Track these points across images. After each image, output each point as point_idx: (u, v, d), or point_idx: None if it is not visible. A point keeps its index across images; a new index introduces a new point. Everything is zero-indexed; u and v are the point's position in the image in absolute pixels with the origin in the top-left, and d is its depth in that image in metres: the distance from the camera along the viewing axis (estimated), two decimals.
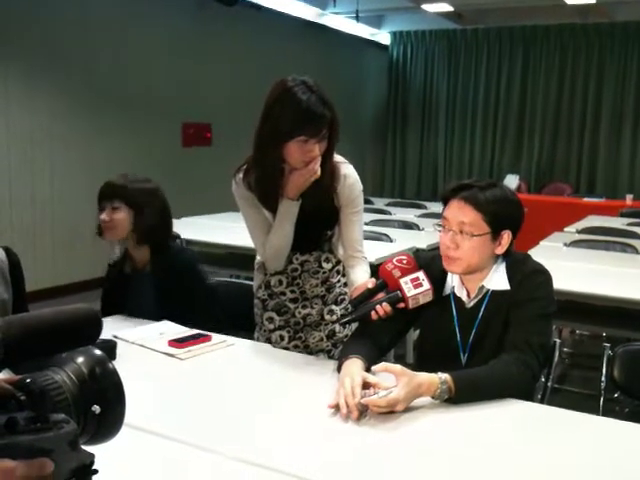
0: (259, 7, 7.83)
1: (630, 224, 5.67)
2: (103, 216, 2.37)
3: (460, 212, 1.82)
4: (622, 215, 6.70)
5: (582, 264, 3.77)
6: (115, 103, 6.48)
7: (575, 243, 4.50)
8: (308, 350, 2.26)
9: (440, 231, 1.89)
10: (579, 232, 5.18)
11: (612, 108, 9.54)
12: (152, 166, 6.62)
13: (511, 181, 8.64)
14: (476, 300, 1.88)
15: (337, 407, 1.59)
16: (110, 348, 1.93)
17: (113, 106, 6.47)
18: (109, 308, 2.48)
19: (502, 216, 1.83)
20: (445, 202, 1.89)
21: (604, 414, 2.07)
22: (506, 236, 1.84)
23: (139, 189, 2.40)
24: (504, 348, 1.76)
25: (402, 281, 1.81)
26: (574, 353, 4.72)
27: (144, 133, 6.81)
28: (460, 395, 1.62)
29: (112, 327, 2.20)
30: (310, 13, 8.76)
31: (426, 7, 8.56)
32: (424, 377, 1.61)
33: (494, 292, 1.87)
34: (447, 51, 10.59)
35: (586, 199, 8.05)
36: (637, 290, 3.08)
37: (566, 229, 5.37)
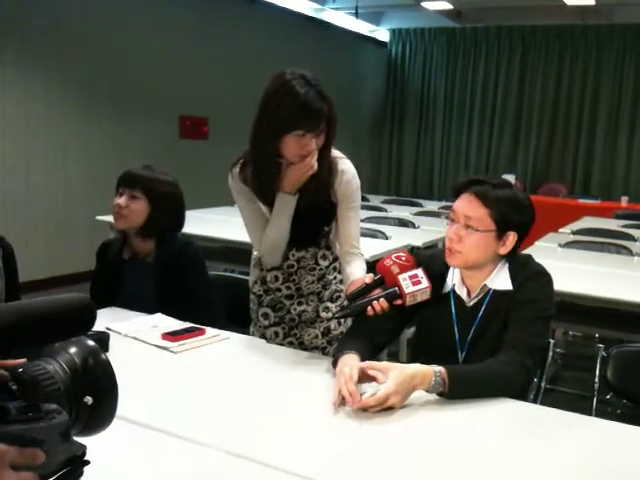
0: (257, 0, 7.81)
1: (625, 226, 5.68)
2: (119, 201, 2.32)
3: (468, 206, 1.82)
4: (617, 217, 6.71)
5: (576, 265, 3.77)
6: (112, 93, 6.46)
7: (570, 244, 4.50)
8: (303, 347, 2.25)
9: (448, 223, 1.89)
10: (574, 233, 5.18)
11: (609, 110, 9.57)
12: (148, 157, 6.58)
13: None
14: (477, 299, 1.88)
15: (342, 401, 1.58)
16: (103, 340, 1.91)
17: (110, 96, 6.44)
18: (99, 293, 2.44)
19: (509, 217, 1.81)
20: (456, 195, 1.88)
21: (596, 415, 2.07)
22: (511, 237, 1.83)
23: (163, 185, 2.36)
24: (502, 347, 1.76)
25: (400, 277, 1.79)
26: (567, 354, 4.73)
27: (141, 124, 6.79)
28: (453, 388, 1.61)
29: (105, 319, 2.18)
30: (309, 8, 8.75)
31: (426, 5, 8.56)
32: (418, 368, 1.61)
33: (495, 292, 1.86)
34: (446, 49, 10.59)
35: (581, 200, 8.07)
36: (630, 292, 3.08)
37: (561, 230, 5.37)
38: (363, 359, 1.73)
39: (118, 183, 2.38)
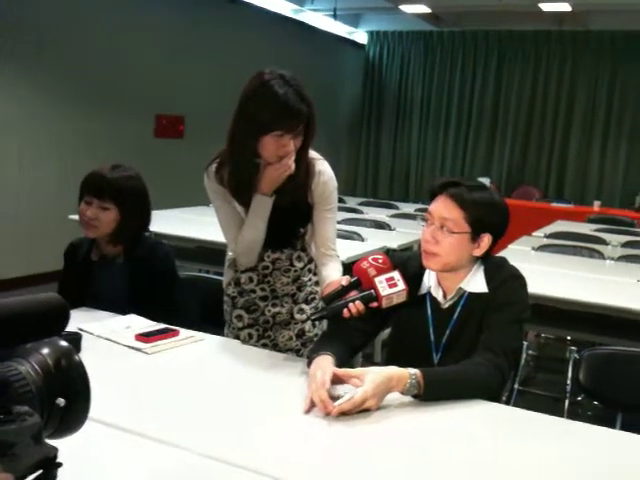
0: (237, 0, 7.78)
1: (597, 230, 5.76)
2: (89, 213, 2.26)
3: (444, 208, 1.83)
4: (589, 221, 6.81)
5: (550, 268, 3.81)
6: (87, 91, 6.38)
7: (543, 247, 4.55)
8: (277, 349, 2.24)
9: (424, 226, 1.89)
10: (547, 237, 5.25)
11: (583, 115, 9.69)
12: (123, 155, 6.50)
13: None
14: (452, 301, 1.89)
15: (312, 406, 1.57)
16: (75, 341, 1.89)
17: (85, 94, 6.37)
18: (69, 293, 2.38)
19: (484, 219, 1.83)
20: (433, 197, 1.89)
21: (568, 417, 2.09)
22: (486, 239, 1.85)
23: (131, 189, 2.30)
24: (476, 349, 1.77)
25: (377, 280, 1.80)
26: (539, 356, 4.78)
27: (116, 122, 6.72)
28: (429, 391, 1.62)
29: (77, 319, 2.15)
30: (287, 8, 8.74)
31: (404, 8, 8.60)
32: (393, 371, 1.61)
33: (471, 294, 1.87)
34: (423, 52, 10.65)
35: (555, 204, 8.16)
36: (602, 295, 3.12)
37: (534, 233, 5.43)
38: (338, 361, 1.73)
39: (84, 188, 2.29)
